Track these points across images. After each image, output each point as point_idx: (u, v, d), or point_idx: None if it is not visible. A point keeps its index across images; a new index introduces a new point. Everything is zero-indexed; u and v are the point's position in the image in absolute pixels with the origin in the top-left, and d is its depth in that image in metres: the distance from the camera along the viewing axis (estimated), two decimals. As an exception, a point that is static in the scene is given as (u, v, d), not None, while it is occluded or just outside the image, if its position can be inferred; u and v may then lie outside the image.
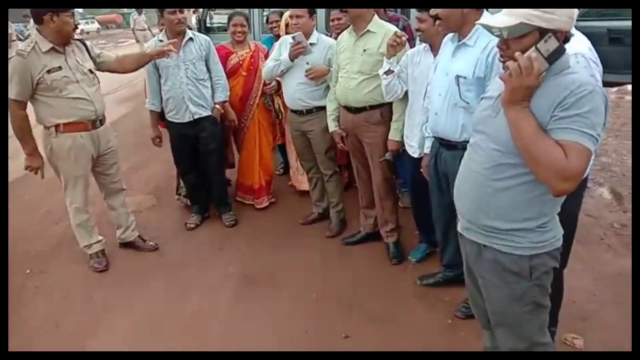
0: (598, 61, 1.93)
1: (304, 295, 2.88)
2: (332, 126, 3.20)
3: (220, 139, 3.70)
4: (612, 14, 4.39)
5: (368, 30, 2.83)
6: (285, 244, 3.51)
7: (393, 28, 2.84)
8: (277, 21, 4.07)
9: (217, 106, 3.60)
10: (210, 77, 3.55)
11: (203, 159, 3.69)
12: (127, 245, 3.46)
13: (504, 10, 1.42)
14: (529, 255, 1.50)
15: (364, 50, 2.83)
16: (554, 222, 1.53)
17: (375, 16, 2.89)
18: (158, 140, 3.65)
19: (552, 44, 1.31)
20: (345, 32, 3.04)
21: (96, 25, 33.14)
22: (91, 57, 3.07)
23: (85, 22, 28.73)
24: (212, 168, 3.73)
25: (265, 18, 4.63)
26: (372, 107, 2.91)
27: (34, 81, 2.78)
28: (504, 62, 1.42)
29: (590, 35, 4.13)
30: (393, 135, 2.89)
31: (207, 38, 3.54)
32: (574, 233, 2.14)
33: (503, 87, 1.46)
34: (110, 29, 37.09)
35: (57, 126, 2.91)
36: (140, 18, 14.18)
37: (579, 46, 1.88)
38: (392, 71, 2.64)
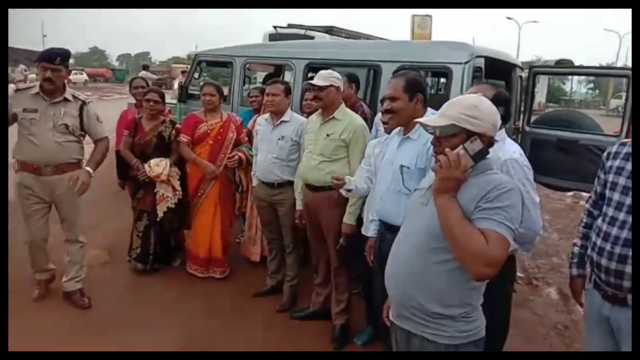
0: (529, 165, 2.12)
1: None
2: (299, 204, 3.29)
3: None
4: (564, 125, 4.66)
5: (333, 117, 3.01)
6: (233, 314, 3.46)
7: (357, 118, 3.05)
8: (257, 96, 4.29)
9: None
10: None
11: None
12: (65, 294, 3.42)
13: (439, 111, 1.63)
14: (454, 345, 1.57)
15: (327, 135, 2.99)
16: (478, 312, 1.62)
17: (343, 105, 3.09)
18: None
19: (477, 145, 1.51)
20: (314, 114, 3.22)
21: (84, 76, 33.92)
22: (81, 121, 3.21)
23: (75, 72, 29.27)
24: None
25: (247, 92, 4.86)
26: (330, 188, 3.00)
27: (10, 113, 3.05)
28: (435, 156, 1.60)
29: (541, 142, 4.43)
30: (347, 219, 2.95)
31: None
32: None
33: (433, 180, 1.62)
34: (97, 81, 37.82)
35: (16, 162, 3.18)
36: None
37: (512, 153, 2.08)
38: (351, 189, 2.66)
